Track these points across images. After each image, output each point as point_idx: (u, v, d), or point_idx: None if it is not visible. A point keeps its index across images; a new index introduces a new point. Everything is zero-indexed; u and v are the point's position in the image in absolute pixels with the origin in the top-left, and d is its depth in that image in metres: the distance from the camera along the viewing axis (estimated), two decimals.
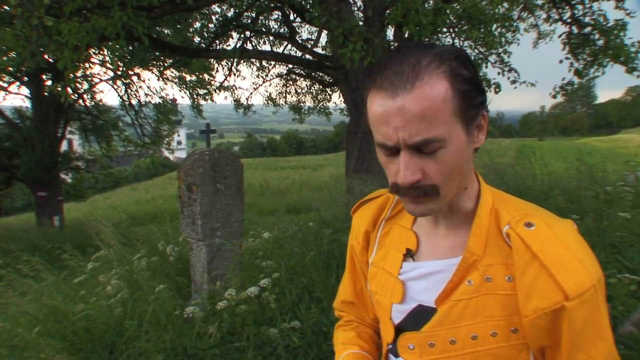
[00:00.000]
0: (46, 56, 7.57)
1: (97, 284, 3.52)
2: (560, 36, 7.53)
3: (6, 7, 5.74)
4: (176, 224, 4.13)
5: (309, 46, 9.88)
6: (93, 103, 15.76)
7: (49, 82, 13.46)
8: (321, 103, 12.46)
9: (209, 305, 2.72)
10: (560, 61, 6.55)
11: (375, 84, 0.80)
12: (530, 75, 7.73)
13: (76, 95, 14.08)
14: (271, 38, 11.00)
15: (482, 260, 0.87)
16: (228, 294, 2.58)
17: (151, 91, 15.04)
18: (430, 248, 0.96)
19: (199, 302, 2.75)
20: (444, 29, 6.42)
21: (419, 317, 0.93)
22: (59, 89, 6.51)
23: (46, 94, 13.12)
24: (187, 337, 2.47)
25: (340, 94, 8.48)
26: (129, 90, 14.97)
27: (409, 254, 0.98)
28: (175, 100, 16.05)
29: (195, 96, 13.21)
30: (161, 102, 15.28)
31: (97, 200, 26.44)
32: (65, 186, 16.30)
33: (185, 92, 13.16)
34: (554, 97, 7.34)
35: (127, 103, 15.01)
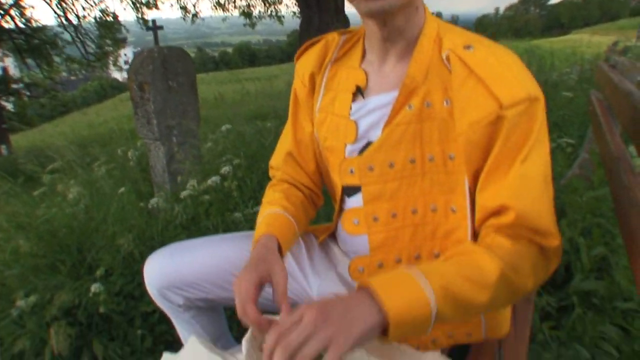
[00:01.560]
0: None
1: (57, 195, 3.48)
2: None
3: None
4: (133, 142, 4.02)
5: None
6: (24, 20, 14.39)
7: None
8: (272, 6, 11.86)
9: (172, 198, 2.77)
10: None
11: None
12: None
13: (1, 11, 12.80)
14: None
15: (423, 87, 0.86)
16: (190, 185, 2.63)
17: (88, 3, 13.83)
18: (378, 83, 0.95)
19: (162, 196, 2.80)
20: None
21: None
22: None
23: None
24: (153, 227, 2.53)
25: None
26: (64, 4, 13.68)
27: (359, 92, 0.96)
28: (117, 16, 14.83)
29: (138, 6, 12.26)
30: (101, 15, 14.14)
31: (45, 129, 25.20)
32: (7, 114, 15.34)
33: (127, 2, 12.16)
34: None
35: (63, 18, 13.77)
